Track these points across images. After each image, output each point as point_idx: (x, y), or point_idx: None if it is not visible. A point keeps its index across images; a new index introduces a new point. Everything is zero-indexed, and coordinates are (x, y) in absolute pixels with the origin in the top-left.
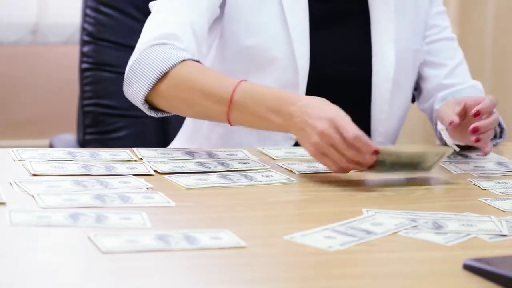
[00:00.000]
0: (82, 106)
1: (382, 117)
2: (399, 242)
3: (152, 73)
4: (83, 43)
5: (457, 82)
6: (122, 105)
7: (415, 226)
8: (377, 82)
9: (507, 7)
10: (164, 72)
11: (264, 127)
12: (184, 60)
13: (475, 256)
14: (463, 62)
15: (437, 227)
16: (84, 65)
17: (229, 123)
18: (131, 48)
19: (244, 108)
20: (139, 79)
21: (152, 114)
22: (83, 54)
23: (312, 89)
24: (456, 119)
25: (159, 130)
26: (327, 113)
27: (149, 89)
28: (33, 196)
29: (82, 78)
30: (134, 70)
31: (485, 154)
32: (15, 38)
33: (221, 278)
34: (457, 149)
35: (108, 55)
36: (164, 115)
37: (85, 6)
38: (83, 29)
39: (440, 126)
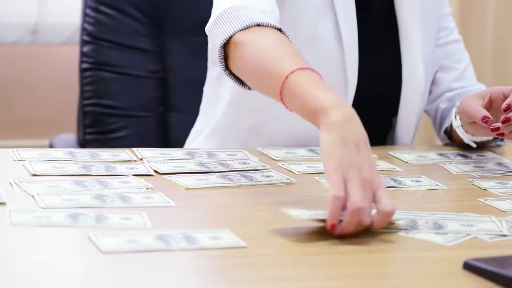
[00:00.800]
0: (82, 106)
1: (410, 129)
2: (399, 242)
3: (244, 19)
4: (83, 43)
5: (465, 85)
6: (122, 105)
7: (414, 225)
8: (407, 97)
9: (507, 7)
10: (256, 23)
11: (306, 105)
12: (278, 29)
13: (475, 256)
14: (470, 64)
15: (438, 227)
16: (84, 65)
17: (280, 89)
18: (131, 48)
19: (304, 80)
20: (228, 22)
21: (222, 67)
22: (83, 54)
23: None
24: (489, 115)
25: (159, 130)
26: (374, 172)
27: (237, 31)
28: (33, 196)
29: (82, 78)
30: (225, 15)
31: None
32: (15, 38)
33: (221, 278)
34: (474, 146)
35: (108, 55)
36: (230, 76)
37: (85, 6)
38: (83, 29)
39: (456, 123)
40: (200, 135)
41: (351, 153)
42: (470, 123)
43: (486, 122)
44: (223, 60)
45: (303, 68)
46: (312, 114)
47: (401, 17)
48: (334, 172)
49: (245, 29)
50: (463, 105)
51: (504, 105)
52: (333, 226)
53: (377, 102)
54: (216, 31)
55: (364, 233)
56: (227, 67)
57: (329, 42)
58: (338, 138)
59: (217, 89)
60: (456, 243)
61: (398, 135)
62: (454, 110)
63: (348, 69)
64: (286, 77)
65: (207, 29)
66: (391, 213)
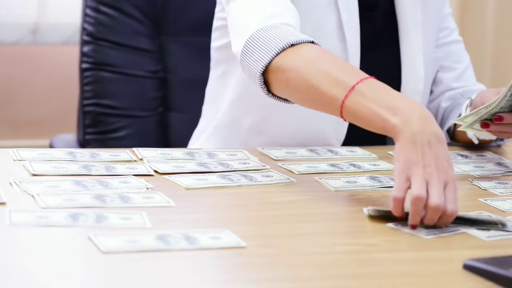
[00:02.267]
0: (82, 106)
1: None
2: (399, 242)
3: (277, 42)
4: (83, 43)
5: (465, 85)
6: (122, 105)
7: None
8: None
9: (507, 7)
10: (290, 44)
11: (374, 125)
12: (311, 42)
13: (475, 256)
14: (470, 65)
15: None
16: (84, 65)
17: (341, 112)
18: (131, 48)
19: (362, 98)
20: (261, 48)
21: (265, 91)
22: (83, 54)
23: None
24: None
25: (159, 130)
26: (445, 169)
27: (273, 56)
28: (33, 196)
29: (82, 78)
30: (255, 41)
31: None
32: (15, 38)
33: (221, 278)
34: (476, 142)
35: (108, 55)
36: (274, 98)
37: (85, 6)
38: (83, 29)
39: (464, 114)
40: (201, 135)
41: (418, 151)
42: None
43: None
44: (264, 86)
45: (355, 85)
46: (383, 132)
47: (401, 18)
48: (398, 175)
49: (280, 52)
50: (484, 97)
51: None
52: (413, 227)
53: None
54: (250, 59)
55: (363, 233)
56: (268, 90)
57: (332, 41)
58: (407, 141)
59: (219, 88)
60: (452, 233)
61: None
62: (466, 103)
63: None
64: (343, 102)
65: (238, 55)
66: (453, 215)
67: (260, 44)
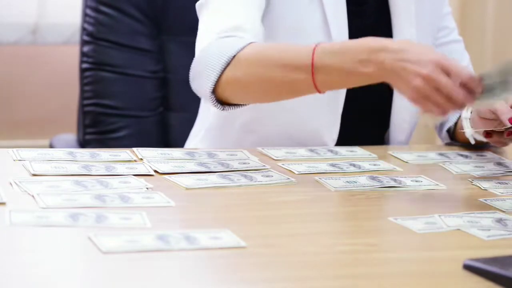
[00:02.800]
0: (82, 106)
1: (403, 126)
2: (399, 242)
3: (219, 59)
4: (83, 43)
5: None
6: (122, 105)
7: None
8: (399, 94)
9: (507, 7)
10: (232, 56)
11: (355, 82)
12: (250, 43)
13: (475, 256)
14: (470, 65)
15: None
16: (84, 65)
17: (318, 90)
18: (131, 48)
19: (328, 69)
20: (205, 68)
21: (219, 107)
22: (83, 54)
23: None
24: None
25: (159, 130)
26: (430, 56)
27: (218, 75)
28: (33, 196)
29: (82, 78)
30: (200, 61)
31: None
32: (15, 38)
33: (221, 278)
34: (473, 142)
35: (108, 55)
36: (233, 108)
37: (85, 6)
38: (83, 29)
39: (465, 115)
40: (196, 136)
41: (402, 76)
42: (482, 117)
43: None
44: (217, 104)
45: (316, 44)
46: (364, 83)
47: (395, 14)
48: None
49: (224, 68)
50: None
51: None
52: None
53: (370, 99)
54: (197, 83)
55: (363, 233)
56: (222, 103)
57: (316, 36)
58: (391, 73)
59: None
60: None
61: (392, 132)
62: None
63: None
64: (314, 82)
65: (191, 82)
66: (471, 78)
67: (201, 68)
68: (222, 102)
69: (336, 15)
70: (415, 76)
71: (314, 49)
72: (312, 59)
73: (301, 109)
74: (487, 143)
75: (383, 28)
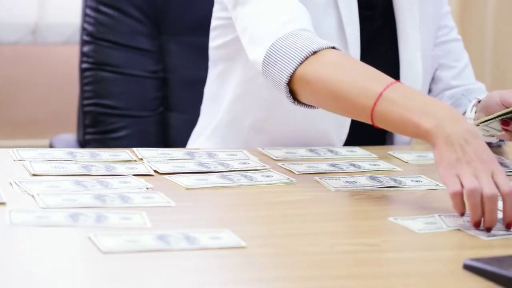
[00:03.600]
0: (82, 106)
1: None
2: (399, 242)
3: (300, 51)
4: (83, 43)
5: (465, 83)
6: (122, 105)
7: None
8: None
9: (507, 7)
10: (313, 51)
11: (406, 131)
12: (332, 48)
13: (475, 256)
14: (469, 64)
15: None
16: (84, 65)
17: (372, 120)
18: (131, 48)
19: (391, 104)
20: (284, 57)
21: (291, 101)
22: (83, 54)
23: None
24: None
25: (159, 130)
26: (487, 160)
27: (297, 65)
28: (33, 196)
29: (82, 78)
30: (277, 49)
31: None
32: (15, 38)
33: (221, 278)
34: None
35: (108, 55)
36: (301, 105)
37: (85, 6)
38: (83, 29)
39: (470, 115)
40: (201, 135)
41: (457, 151)
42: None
43: None
44: (290, 95)
45: (382, 92)
46: (416, 137)
47: (399, 16)
48: (445, 174)
49: (303, 61)
50: (505, 95)
51: None
52: (476, 223)
53: None
54: (273, 69)
55: (363, 233)
56: (294, 98)
57: (332, 41)
58: (444, 144)
59: (219, 88)
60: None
61: (396, 134)
62: (473, 102)
63: None
64: (372, 110)
65: (259, 65)
66: (493, 197)
67: (282, 54)
68: (294, 97)
69: (350, 19)
70: (471, 181)
71: (392, 83)
72: (384, 89)
73: (312, 112)
74: (489, 143)
75: (389, 30)
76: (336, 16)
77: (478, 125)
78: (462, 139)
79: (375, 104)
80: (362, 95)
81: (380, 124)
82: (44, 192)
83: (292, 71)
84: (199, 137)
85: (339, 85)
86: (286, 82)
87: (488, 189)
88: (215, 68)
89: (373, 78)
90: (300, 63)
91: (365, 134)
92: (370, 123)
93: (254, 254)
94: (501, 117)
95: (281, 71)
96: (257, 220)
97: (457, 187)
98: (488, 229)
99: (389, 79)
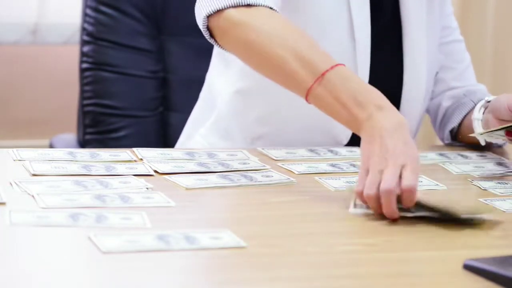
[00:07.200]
0: (82, 106)
1: (411, 129)
2: (399, 242)
3: None
4: (83, 43)
5: (466, 85)
6: (122, 105)
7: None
8: (408, 96)
9: (507, 7)
10: (246, 3)
11: (338, 116)
12: (275, 11)
13: (475, 256)
14: (470, 65)
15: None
16: (84, 65)
17: (306, 96)
18: (131, 48)
19: (330, 88)
20: None
21: (209, 39)
22: (83, 54)
23: None
24: None
25: (159, 130)
26: (400, 153)
27: (226, 6)
28: (33, 196)
29: (82, 78)
30: None
31: None
32: (15, 38)
33: (221, 278)
34: (483, 143)
35: (108, 55)
36: (220, 47)
37: (85, 6)
38: (83, 29)
39: (478, 116)
40: (200, 127)
41: (376, 144)
42: (500, 119)
43: None
44: (207, 31)
45: (325, 72)
46: (345, 124)
47: (405, 17)
48: (360, 170)
49: (235, 6)
50: (500, 102)
51: None
52: (380, 214)
53: None
54: (203, 2)
55: (363, 233)
56: (212, 38)
57: (342, 41)
58: (369, 137)
59: (221, 77)
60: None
61: None
62: (480, 103)
63: (359, 69)
64: (310, 87)
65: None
66: (410, 189)
67: None
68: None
69: (362, 19)
70: (373, 175)
71: (337, 65)
72: (327, 70)
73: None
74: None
75: (394, 31)
76: (347, 16)
77: (482, 134)
78: (385, 132)
79: (314, 82)
80: (303, 69)
81: (313, 103)
82: (44, 192)
83: (218, 8)
84: (197, 129)
85: (278, 47)
86: (208, 14)
87: (384, 183)
88: (218, 56)
89: (318, 55)
90: (231, 6)
91: None
92: (303, 97)
93: (254, 254)
94: (506, 128)
95: (208, 5)
96: (257, 220)
97: (360, 188)
98: (393, 220)
99: (333, 60)
